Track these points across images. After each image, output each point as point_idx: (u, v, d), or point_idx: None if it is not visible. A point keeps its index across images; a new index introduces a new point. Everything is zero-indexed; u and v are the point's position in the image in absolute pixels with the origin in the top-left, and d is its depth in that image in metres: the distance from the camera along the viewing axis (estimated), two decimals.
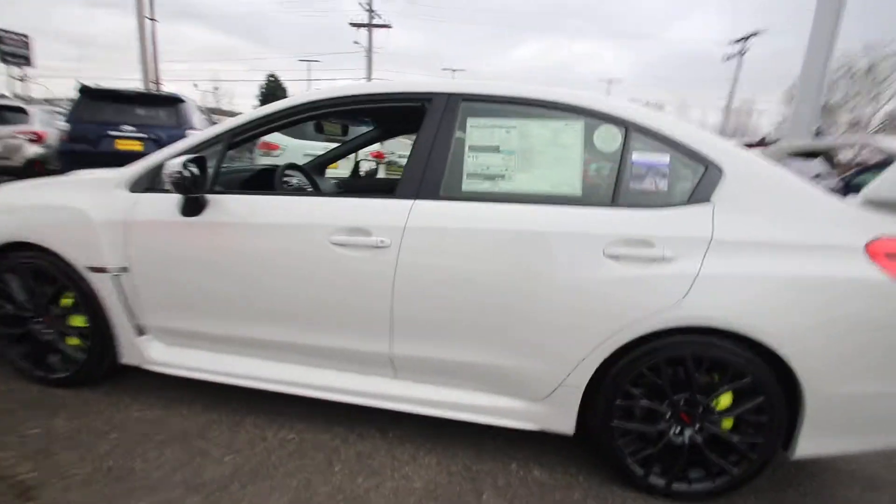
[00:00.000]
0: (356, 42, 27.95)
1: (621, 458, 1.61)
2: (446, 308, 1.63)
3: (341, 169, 4.81)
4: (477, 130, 1.70)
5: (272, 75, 39.52)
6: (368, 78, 27.65)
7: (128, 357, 1.94)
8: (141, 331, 1.93)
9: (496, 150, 1.69)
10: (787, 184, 1.55)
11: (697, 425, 1.57)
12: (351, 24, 27.70)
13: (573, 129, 1.66)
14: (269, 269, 1.74)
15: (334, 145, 6.04)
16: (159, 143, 5.83)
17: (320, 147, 6.24)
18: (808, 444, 1.52)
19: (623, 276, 1.50)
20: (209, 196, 1.78)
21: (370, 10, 26.91)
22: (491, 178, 1.67)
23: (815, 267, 1.44)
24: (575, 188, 1.63)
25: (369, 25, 27.55)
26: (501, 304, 1.58)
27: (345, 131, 3.14)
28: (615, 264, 1.51)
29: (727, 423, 1.56)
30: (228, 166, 2.45)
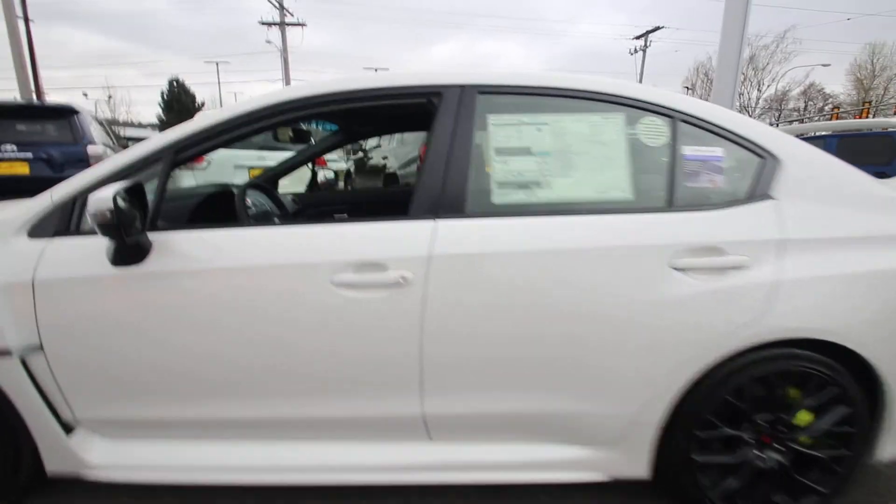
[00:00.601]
0: (269, 41, 26.30)
1: (704, 495, 1.41)
2: (490, 350, 1.32)
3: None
4: (501, 129, 1.41)
5: (176, 79, 36.20)
6: (286, 79, 26.17)
7: (56, 464, 1.41)
8: (70, 427, 1.42)
9: (527, 151, 1.40)
10: (842, 171, 1.43)
11: (782, 446, 1.40)
12: (261, 22, 26.01)
13: (613, 123, 1.41)
14: (250, 328, 1.32)
15: (274, 154, 5.46)
16: (51, 164, 4.91)
17: (254, 157, 5.56)
18: (893, 446, 1.41)
19: (696, 291, 1.29)
20: (153, 235, 1.33)
21: (281, 8, 25.42)
22: (525, 186, 1.38)
23: (883, 259, 1.32)
24: (625, 192, 1.38)
25: (281, 24, 26.02)
26: (557, 338, 1.31)
27: (304, 137, 2.66)
28: (685, 278, 1.29)
29: (810, 440, 1.41)
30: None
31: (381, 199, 2.90)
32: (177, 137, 1.41)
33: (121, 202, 1.16)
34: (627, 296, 1.29)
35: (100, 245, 1.30)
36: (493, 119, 1.41)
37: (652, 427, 1.36)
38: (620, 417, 1.36)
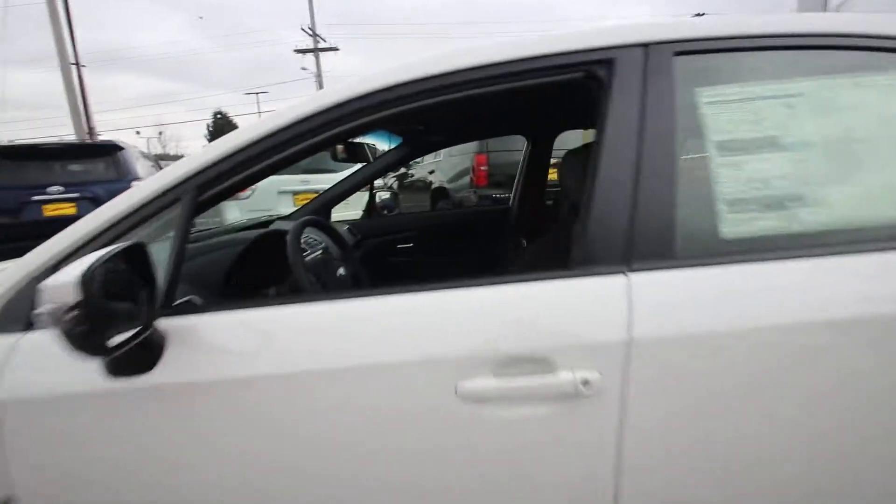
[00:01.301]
0: (304, 68, 26.91)
1: None
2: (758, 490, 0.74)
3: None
4: (723, 109, 0.83)
5: (219, 112, 37.87)
6: None
7: None
8: None
9: (774, 143, 0.81)
10: None
11: None
12: (296, 50, 26.67)
13: None
14: (323, 468, 0.80)
15: (318, 177, 5.03)
16: (98, 202, 4.75)
17: (297, 182, 5.12)
18: None
19: None
20: (163, 323, 0.83)
21: (314, 35, 25.92)
22: (779, 204, 0.79)
23: None
24: None
25: (315, 50, 26.54)
26: None
27: (361, 156, 2.17)
28: None
29: None
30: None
31: (455, 220, 2.39)
32: (201, 164, 0.91)
33: (97, 283, 0.66)
34: None
35: None
36: (706, 95, 0.83)
37: None
38: None
